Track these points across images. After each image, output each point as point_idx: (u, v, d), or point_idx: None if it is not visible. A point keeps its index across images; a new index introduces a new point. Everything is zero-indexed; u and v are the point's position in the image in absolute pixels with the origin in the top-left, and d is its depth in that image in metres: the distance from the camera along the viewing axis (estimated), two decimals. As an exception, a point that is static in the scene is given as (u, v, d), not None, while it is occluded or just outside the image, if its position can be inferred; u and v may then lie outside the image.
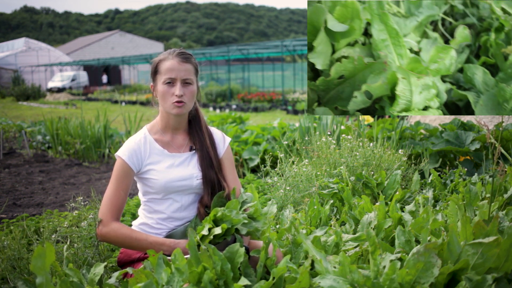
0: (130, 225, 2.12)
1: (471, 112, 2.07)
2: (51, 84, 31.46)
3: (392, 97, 2.02)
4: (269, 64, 29.00)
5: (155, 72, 1.92)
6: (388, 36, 1.98)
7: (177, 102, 1.87)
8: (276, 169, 3.19)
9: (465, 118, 4.69)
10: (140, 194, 2.00)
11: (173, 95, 1.87)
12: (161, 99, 1.91)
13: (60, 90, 30.26)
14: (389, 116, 5.51)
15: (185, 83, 1.89)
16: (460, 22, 2.15)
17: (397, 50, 1.98)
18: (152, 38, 66.30)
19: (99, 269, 1.60)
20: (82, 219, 2.52)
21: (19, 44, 36.79)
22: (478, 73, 2.04)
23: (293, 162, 3.30)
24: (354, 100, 2.03)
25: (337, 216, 2.58)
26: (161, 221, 1.93)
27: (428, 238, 1.76)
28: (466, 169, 3.22)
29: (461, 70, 2.11)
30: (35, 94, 25.52)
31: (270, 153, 4.49)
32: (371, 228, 1.95)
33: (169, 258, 1.54)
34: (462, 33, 2.07)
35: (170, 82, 1.88)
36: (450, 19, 2.18)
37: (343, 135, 3.49)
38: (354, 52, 2.05)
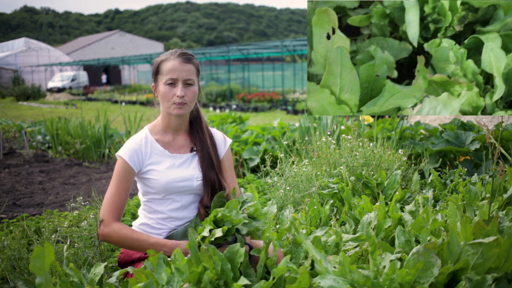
0: (130, 225, 2.12)
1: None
2: (51, 84, 31.45)
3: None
4: (269, 64, 28.99)
5: (156, 73, 1.92)
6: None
7: (178, 103, 1.87)
8: (276, 169, 3.19)
9: (465, 118, 4.69)
10: (140, 194, 2.00)
11: (174, 95, 1.87)
12: (162, 99, 1.91)
13: (60, 90, 30.25)
14: (389, 116, 5.51)
15: (187, 83, 1.89)
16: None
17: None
18: (152, 38, 66.25)
19: (99, 269, 1.60)
20: (82, 219, 2.52)
21: (19, 44, 36.78)
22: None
23: (293, 162, 3.30)
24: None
25: (337, 216, 2.58)
26: (161, 221, 1.93)
27: (428, 238, 1.76)
28: (466, 169, 3.22)
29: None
30: (35, 94, 25.50)
31: (270, 153, 4.49)
32: (371, 228, 1.95)
33: (169, 259, 1.54)
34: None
35: (172, 83, 1.87)
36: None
37: (343, 135, 3.49)
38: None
